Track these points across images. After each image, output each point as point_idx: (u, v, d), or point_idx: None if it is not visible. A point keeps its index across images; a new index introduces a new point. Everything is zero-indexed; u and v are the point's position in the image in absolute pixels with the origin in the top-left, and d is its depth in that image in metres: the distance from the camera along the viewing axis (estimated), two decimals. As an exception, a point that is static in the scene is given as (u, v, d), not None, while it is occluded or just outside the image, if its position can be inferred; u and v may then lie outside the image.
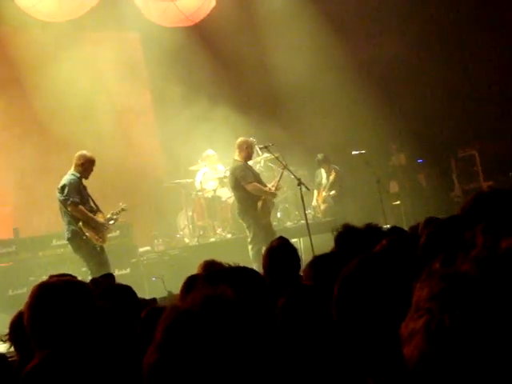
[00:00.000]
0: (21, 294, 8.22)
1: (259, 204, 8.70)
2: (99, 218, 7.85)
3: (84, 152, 7.90)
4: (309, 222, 9.22)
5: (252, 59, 11.64)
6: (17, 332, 2.71)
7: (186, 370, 1.12)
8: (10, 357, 3.06)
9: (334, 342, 1.80)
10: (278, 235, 4.94)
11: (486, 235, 0.91)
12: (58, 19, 9.63)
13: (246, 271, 2.74)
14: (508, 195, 2.41)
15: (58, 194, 7.71)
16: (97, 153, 8.13)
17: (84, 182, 7.87)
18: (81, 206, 7.65)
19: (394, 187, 12.51)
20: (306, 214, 9.11)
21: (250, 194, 8.74)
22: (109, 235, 8.09)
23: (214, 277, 2.62)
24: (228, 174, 9.44)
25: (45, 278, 4.81)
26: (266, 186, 9.01)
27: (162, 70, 11.13)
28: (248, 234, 8.85)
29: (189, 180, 10.93)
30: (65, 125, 10.21)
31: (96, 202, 7.99)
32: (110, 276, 3.70)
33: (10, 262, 8.97)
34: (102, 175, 8.57)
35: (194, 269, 4.03)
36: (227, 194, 10.38)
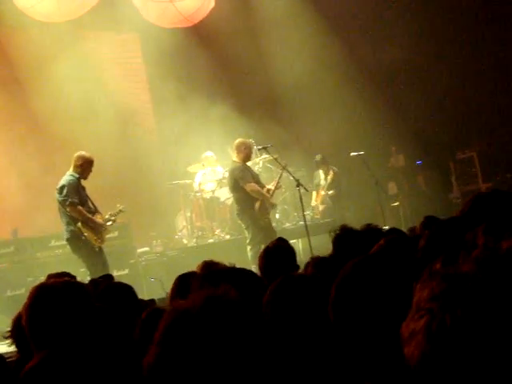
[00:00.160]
0: (19, 295, 8.21)
1: (257, 205, 8.70)
2: (98, 218, 7.85)
3: (82, 153, 7.90)
4: (307, 223, 9.22)
5: (251, 60, 11.64)
6: (19, 330, 2.71)
7: (186, 371, 1.12)
8: (9, 357, 3.07)
9: (325, 339, 1.79)
10: (278, 236, 4.92)
11: (487, 236, 0.91)
12: (56, 20, 9.63)
13: (243, 272, 2.74)
14: (506, 196, 2.42)
15: (57, 195, 7.70)
16: (95, 153, 8.12)
17: (83, 182, 7.87)
18: (79, 207, 7.65)
19: (392, 189, 12.51)
20: (304, 215, 9.11)
21: (249, 195, 8.74)
22: (107, 236, 8.09)
23: (211, 277, 2.62)
24: (227, 175, 9.45)
25: (43, 278, 4.80)
26: (264, 187, 9.01)
27: (161, 70, 11.13)
28: (247, 234, 8.85)
29: (187, 181, 10.93)
30: (63, 125, 10.20)
31: (94, 202, 7.98)
32: (109, 277, 3.70)
33: (9, 263, 8.96)
34: (101, 176, 8.56)
35: (192, 270, 4.02)
36: (226, 195, 10.38)
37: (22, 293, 8.22)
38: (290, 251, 3.89)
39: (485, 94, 12.22)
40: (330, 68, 11.58)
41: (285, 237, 4.42)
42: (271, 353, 1.21)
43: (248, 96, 12.13)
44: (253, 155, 9.73)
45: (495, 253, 0.85)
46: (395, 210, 12.00)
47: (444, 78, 12.23)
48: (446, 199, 12.31)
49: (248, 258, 8.54)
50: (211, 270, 3.32)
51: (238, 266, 3.30)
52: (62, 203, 7.65)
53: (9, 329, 2.96)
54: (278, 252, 3.78)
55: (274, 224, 9.69)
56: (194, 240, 10.42)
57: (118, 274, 8.73)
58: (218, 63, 11.81)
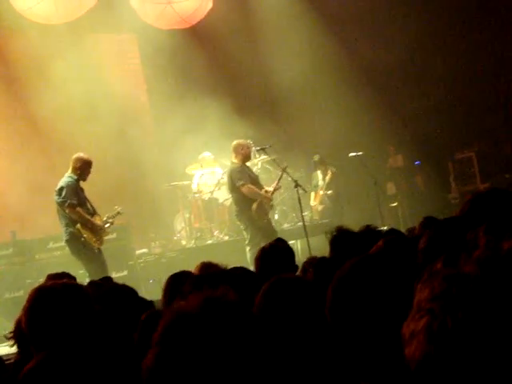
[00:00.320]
0: (18, 297, 8.21)
1: (254, 206, 8.69)
2: (96, 220, 7.85)
3: (81, 154, 7.89)
4: (306, 223, 9.22)
5: (249, 61, 11.64)
6: (21, 331, 2.71)
7: (185, 372, 1.12)
8: (8, 359, 3.06)
9: (317, 341, 1.79)
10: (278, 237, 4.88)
11: (488, 236, 0.91)
12: (54, 22, 9.62)
13: (239, 273, 2.73)
14: (505, 194, 2.41)
15: (56, 197, 7.70)
16: (93, 154, 8.12)
17: (81, 183, 7.87)
18: (78, 208, 7.64)
19: (391, 189, 12.52)
20: (303, 216, 9.11)
21: (246, 196, 8.74)
22: (106, 238, 8.08)
23: (205, 279, 2.61)
24: (226, 176, 9.45)
25: (42, 280, 4.79)
26: (263, 188, 9.00)
27: (159, 71, 11.13)
28: (245, 235, 8.84)
29: (186, 182, 10.93)
30: (62, 127, 10.19)
31: (93, 204, 7.98)
32: (109, 279, 3.69)
33: (7, 265, 8.95)
34: (99, 177, 8.55)
35: (191, 271, 4.01)
36: (224, 196, 10.38)
37: (21, 295, 8.21)
38: (287, 252, 3.82)
39: (483, 94, 12.23)
40: (329, 68, 11.58)
41: (283, 237, 4.40)
42: (269, 354, 1.21)
43: (246, 97, 12.13)
44: (252, 155, 9.73)
45: (496, 254, 0.85)
46: (394, 210, 12.00)
47: (442, 78, 12.24)
48: (445, 199, 12.32)
49: (247, 259, 8.53)
50: (206, 272, 3.32)
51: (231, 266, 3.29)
52: (61, 205, 7.64)
53: (9, 331, 2.96)
54: (273, 252, 3.72)
55: (272, 225, 9.68)
56: (193, 241, 10.41)
57: (117, 275, 8.72)
58: (215, 64, 11.81)
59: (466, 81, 12.14)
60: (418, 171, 13.04)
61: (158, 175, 11.33)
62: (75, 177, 7.75)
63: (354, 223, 4.10)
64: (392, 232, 3.83)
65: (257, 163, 10.53)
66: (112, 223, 8.17)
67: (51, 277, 3.85)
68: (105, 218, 8.03)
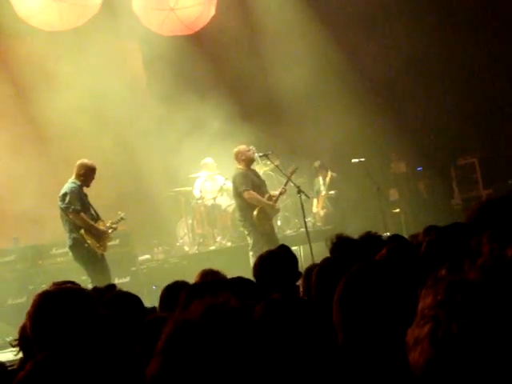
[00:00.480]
0: (20, 303, 8.20)
1: (255, 212, 8.69)
2: (100, 225, 7.85)
3: (85, 160, 7.90)
4: (309, 229, 9.21)
5: (251, 67, 11.65)
6: (26, 338, 2.71)
7: (189, 380, 1.12)
8: (11, 365, 3.06)
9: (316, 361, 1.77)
10: (280, 243, 4.82)
11: (492, 243, 0.91)
12: (58, 29, 9.65)
13: (237, 282, 2.71)
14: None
15: (59, 202, 7.70)
16: (96, 161, 8.13)
17: (85, 189, 7.88)
18: (82, 214, 7.65)
19: (393, 195, 12.51)
20: (305, 222, 9.10)
21: (249, 202, 8.74)
22: (109, 244, 8.08)
23: (201, 289, 2.59)
24: (229, 182, 9.45)
25: (44, 286, 4.80)
26: (268, 193, 8.97)
27: (162, 78, 11.15)
28: (249, 241, 8.84)
29: (188, 188, 10.94)
30: (65, 133, 10.23)
31: (96, 209, 7.98)
32: (113, 287, 3.68)
33: (10, 271, 8.94)
34: (102, 184, 8.56)
35: (193, 277, 4.02)
36: (227, 202, 10.38)
37: (24, 301, 8.21)
38: (289, 258, 3.74)
39: (486, 100, 12.23)
40: (331, 75, 11.59)
41: (286, 244, 4.36)
42: (273, 361, 1.21)
43: (249, 103, 12.14)
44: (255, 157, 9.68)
45: (500, 260, 0.85)
46: (396, 216, 11.99)
47: (445, 84, 12.25)
48: (447, 205, 12.31)
49: (250, 265, 8.52)
50: (204, 280, 3.30)
51: (239, 273, 3.27)
52: (65, 210, 7.65)
53: (11, 337, 2.96)
54: (272, 260, 3.63)
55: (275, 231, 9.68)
56: (196, 247, 10.41)
57: (120, 281, 8.71)
58: (218, 70, 11.83)
59: (468, 87, 12.15)
60: (420, 177, 13.03)
61: (161, 181, 11.34)
62: (79, 183, 7.76)
63: (357, 229, 4.10)
64: (396, 238, 3.82)
65: (259, 171, 10.52)
66: (115, 229, 8.16)
67: (56, 285, 3.84)
68: (108, 224, 8.03)
